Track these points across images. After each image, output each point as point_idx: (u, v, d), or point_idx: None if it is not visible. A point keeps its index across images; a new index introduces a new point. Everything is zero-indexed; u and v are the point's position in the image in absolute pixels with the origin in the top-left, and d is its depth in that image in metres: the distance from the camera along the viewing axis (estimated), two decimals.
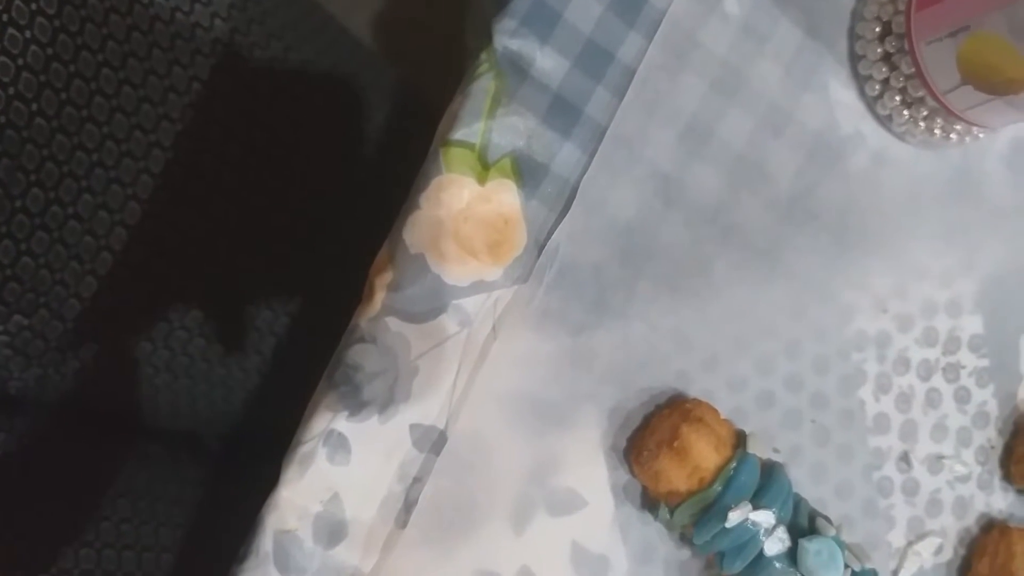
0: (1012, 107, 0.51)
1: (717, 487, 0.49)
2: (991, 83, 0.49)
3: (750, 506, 0.49)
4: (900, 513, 0.57)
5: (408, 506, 0.48)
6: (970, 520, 0.59)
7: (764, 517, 0.49)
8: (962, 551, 0.59)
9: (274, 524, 0.47)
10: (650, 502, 0.51)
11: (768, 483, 0.50)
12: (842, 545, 0.50)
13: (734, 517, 0.48)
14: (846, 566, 0.51)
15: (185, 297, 0.64)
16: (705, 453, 0.49)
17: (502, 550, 0.50)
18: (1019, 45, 0.46)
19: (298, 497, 0.47)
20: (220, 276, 0.65)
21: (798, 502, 0.51)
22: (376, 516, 0.48)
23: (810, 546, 0.49)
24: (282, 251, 0.69)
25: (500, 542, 0.49)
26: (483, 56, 0.48)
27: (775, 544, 0.49)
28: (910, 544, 0.57)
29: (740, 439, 0.51)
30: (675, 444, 0.49)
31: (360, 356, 0.47)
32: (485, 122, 0.48)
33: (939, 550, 0.58)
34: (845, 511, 0.55)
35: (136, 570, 0.62)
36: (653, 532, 0.52)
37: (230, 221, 0.65)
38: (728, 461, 0.49)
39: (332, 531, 0.47)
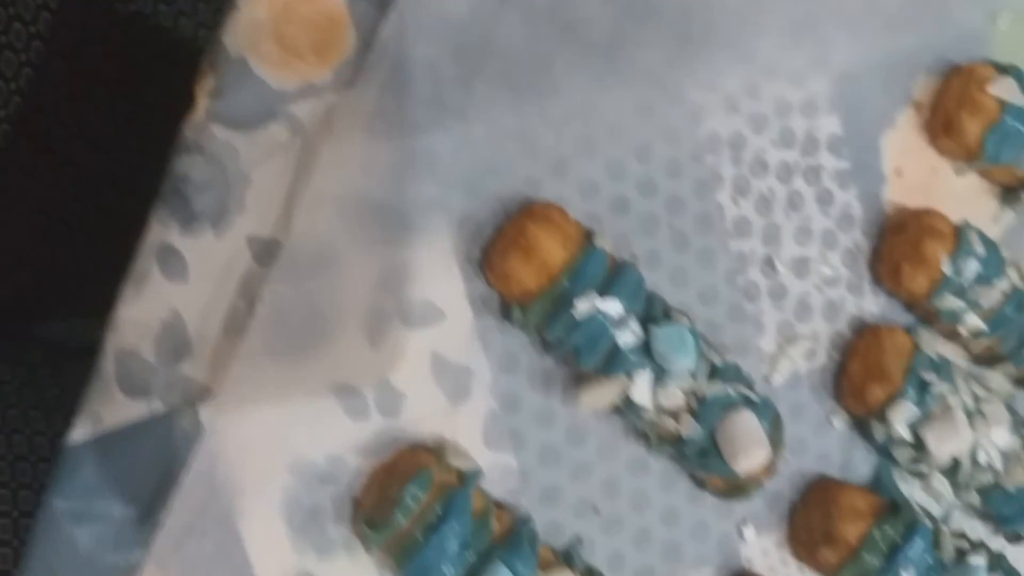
0: None
1: (564, 280, 0.53)
2: None
3: (597, 296, 0.53)
4: (769, 318, 0.62)
5: (254, 321, 0.51)
6: (842, 324, 0.64)
7: (612, 306, 0.53)
8: (836, 355, 0.64)
9: (114, 344, 0.50)
10: (507, 309, 0.55)
11: (616, 275, 0.54)
12: (696, 334, 0.54)
13: (581, 307, 0.53)
14: (704, 358, 0.55)
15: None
16: (552, 249, 0.54)
17: (358, 363, 0.53)
18: None
19: (137, 316, 0.50)
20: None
21: (652, 298, 0.56)
22: (221, 332, 0.51)
23: (660, 332, 0.54)
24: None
25: (355, 355, 0.53)
26: None
27: (627, 336, 0.54)
28: (781, 348, 0.62)
29: (589, 237, 0.54)
30: (521, 242, 0.53)
31: (187, 167, 0.51)
32: None
33: (811, 354, 0.63)
34: (711, 316, 0.61)
35: (10, 480, 0.63)
36: (515, 342, 0.57)
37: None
38: (576, 256, 0.53)
39: (176, 348, 0.51)
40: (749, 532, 0.63)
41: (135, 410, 0.50)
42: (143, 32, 0.78)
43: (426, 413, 0.56)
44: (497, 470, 0.57)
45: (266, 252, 0.53)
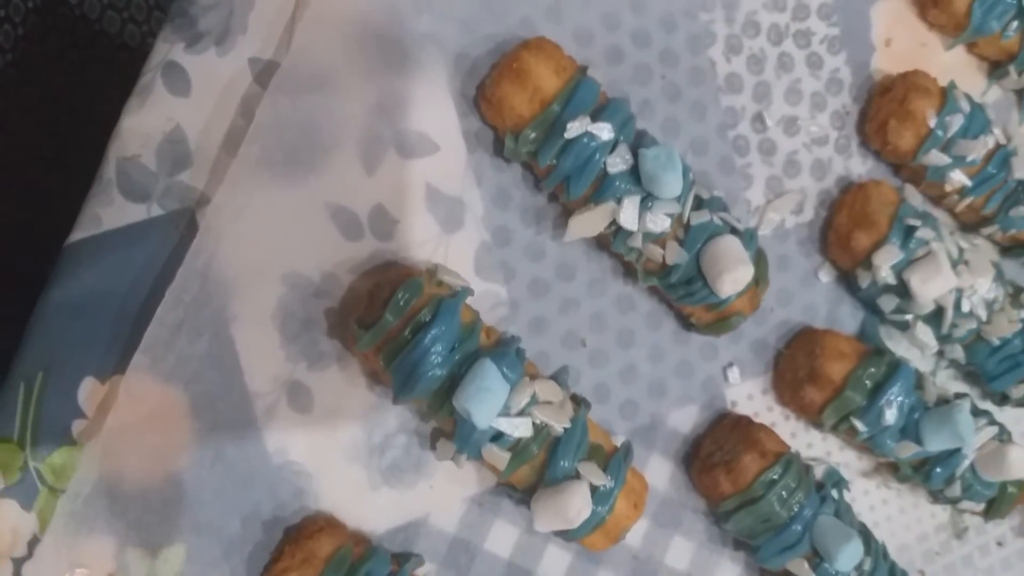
0: None
1: (556, 106, 0.46)
2: None
3: (588, 119, 0.45)
4: (758, 172, 0.54)
5: (254, 136, 0.44)
6: (830, 182, 0.56)
7: (602, 130, 0.46)
8: (823, 212, 0.56)
9: (117, 152, 0.44)
10: (500, 141, 0.48)
11: (607, 104, 0.46)
12: (685, 164, 0.47)
13: (573, 128, 0.46)
14: (692, 189, 0.47)
15: None
16: (544, 76, 0.47)
17: (353, 187, 0.47)
18: None
19: (140, 126, 0.44)
20: None
21: (642, 132, 0.48)
22: (220, 147, 0.45)
23: (648, 152, 0.47)
24: None
25: (351, 179, 0.47)
26: None
27: (617, 162, 0.47)
28: (769, 202, 0.54)
29: (582, 69, 0.47)
30: (514, 66, 0.46)
31: None
32: None
33: (799, 208, 0.55)
34: (701, 167, 0.53)
35: None
36: (507, 179, 0.50)
37: None
38: (568, 84, 0.46)
39: (176, 159, 0.45)
40: (734, 375, 0.54)
41: (134, 213, 0.44)
42: None
43: (418, 239, 0.48)
44: (488, 299, 0.50)
45: (267, 74, 0.46)
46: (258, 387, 0.46)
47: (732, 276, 0.48)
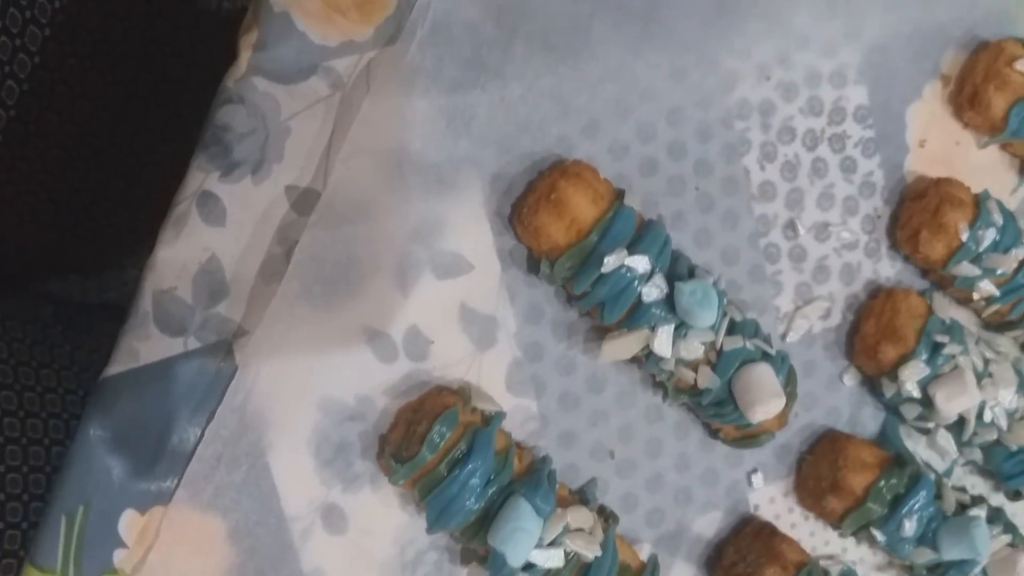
0: None
1: (593, 236, 0.42)
2: None
3: (626, 252, 0.41)
4: (787, 279, 0.50)
5: (291, 267, 0.40)
6: (858, 287, 0.52)
7: (639, 262, 0.42)
8: (850, 316, 0.52)
9: (152, 284, 0.40)
10: (535, 263, 0.44)
11: (644, 233, 0.42)
12: (720, 291, 0.43)
13: (610, 262, 0.42)
14: (725, 314, 0.43)
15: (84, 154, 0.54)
16: (582, 206, 0.42)
17: (389, 309, 0.43)
18: None
19: (175, 257, 0.40)
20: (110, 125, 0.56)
21: (678, 256, 0.44)
22: (257, 276, 0.41)
23: (685, 287, 0.42)
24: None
25: (387, 301, 0.43)
26: None
27: (652, 290, 0.43)
28: (798, 308, 0.50)
29: (619, 195, 0.43)
30: (552, 197, 0.42)
31: (228, 116, 0.40)
32: None
33: (827, 314, 0.51)
34: (732, 276, 0.49)
35: (21, 436, 0.53)
36: (540, 295, 0.46)
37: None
38: (605, 213, 0.42)
39: (212, 290, 0.41)
40: (757, 479, 0.51)
41: (171, 347, 0.41)
42: None
43: (452, 359, 0.44)
44: (519, 414, 0.46)
45: (303, 201, 0.42)
46: (294, 512, 0.42)
47: (764, 407, 0.44)
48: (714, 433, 0.49)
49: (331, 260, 0.42)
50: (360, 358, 0.43)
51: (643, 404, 0.48)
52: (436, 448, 0.41)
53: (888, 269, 0.53)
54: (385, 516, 0.44)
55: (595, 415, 0.47)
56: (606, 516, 0.46)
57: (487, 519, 0.42)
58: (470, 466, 0.41)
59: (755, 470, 0.51)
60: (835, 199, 0.51)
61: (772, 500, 0.51)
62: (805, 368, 0.51)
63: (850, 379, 0.52)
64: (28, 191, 0.52)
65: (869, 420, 0.53)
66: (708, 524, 0.50)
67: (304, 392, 0.42)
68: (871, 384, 0.52)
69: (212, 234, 0.40)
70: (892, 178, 0.52)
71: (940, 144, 0.53)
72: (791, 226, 0.50)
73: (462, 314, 0.45)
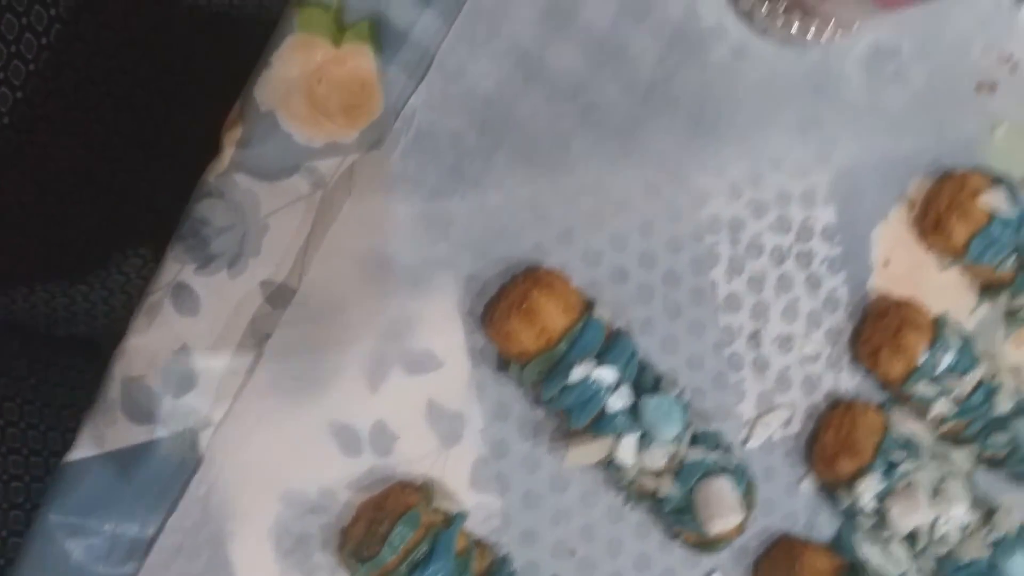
0: (858, 3, 0.43)
1: (562, 346, 0.42)
2: None
3: (594, 363, 0.41)
4: (750, 387, 0.50)
5: (261, 361, 0.40)
6: (819, 397, 0.52)
7: (607, 374, 0.42)
8: (810, 425, 0.52)
9: (122, 371, 0.40)
10: (504, 363, 0.44)
11: (612, 344, 0.42)
12: (684, 404, 0.43)
13: (577, 373, 0.42)
14: (688, 425, 0.43)
15: (81, 199, 0.54)
16: (553, 315, 0.42)
17: (357, 404, 0.43)
18: None
19: (146, 346, 0.40)
20: (106, 171, 0.55)
21: (644, 366, 0.44)
22: (227, 369, 0.40)
23: (650, 402, 0.42)
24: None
25: (355, 396, 0.42)
26: None
27: (618, 400, 0.43)
28: (759, 416, 0.50)
29: (589, 306, 0.43)
30: (524, 306, 0.42)
31: (208, 210, 0.40)
32: None
33: (788, 423, 0.51)
34: (696, 383, 0.49)
35: (24, 473, 0.52)
36: (508, 393, 0.45)
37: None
38: (575, 323, 0.41)
39: (181, 380, 0.40)
40: None
41: (137, 435, 0.40)
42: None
43: (417, 454, 0.44)
44: (482, 511, 0.45)
45: (278, 296, 0.42)
46: None
47: (723, 521, 0.44)
48: (674, 535, 0.48)
49: (302, 355, 0.41)
50: (325, 451, 0.42)
51: (605, 504, 0.48)
52: (397, 549, 0.40)
53: (849, 381, 0.53)
54: None
55: (558, 514, 0.47)
56: None
57: None
58: (431, 569, 0.40)
59: (713, 571, 0.50)
60: (799, 313, 0.51)
61: None
62: (765, 473, 0.51)
63: (808, 486, 0.52)
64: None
65: (825, 526, 0.52)
66: None
67: (268, 484, 0.41)
68: (828, 492, 0.52)
69: (184, 324, 0.40)
70: (856, 295, 0.52)
71: (903, 265, 0.54)
72: (755, 337, 0.50)
73: (429, 410, 0.44)
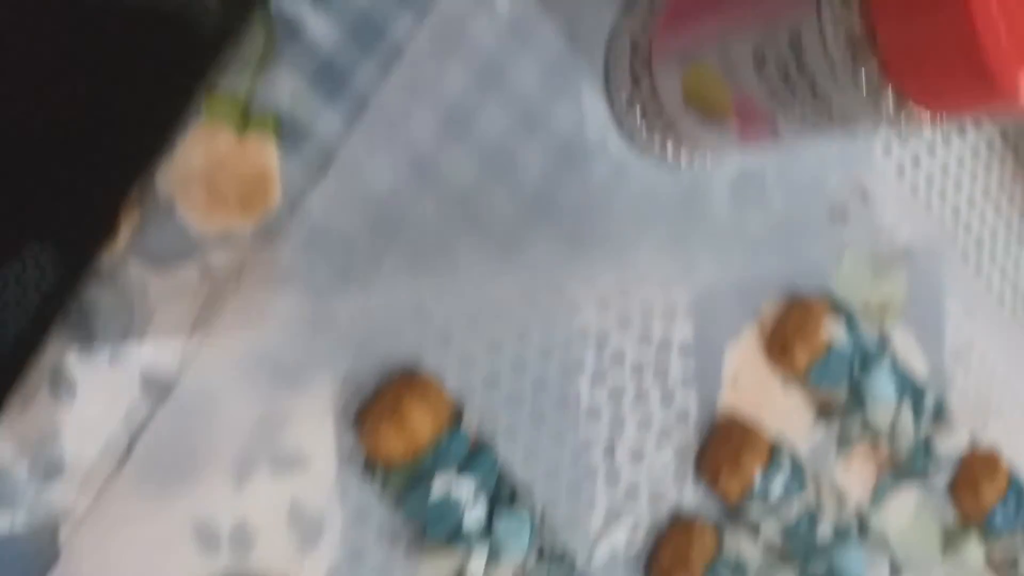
0: (721, 135, 0.60)
1: (427, 458, 0.55)
2: (705, 110, 0.57)
3: (455, 475, 0.56)
4: (600, 499, 0.67)
5: (130, 453, 0.51)
6: (662, 512, 0.68)
7: (465, 488, 0.56)
8: (651, 541, 0.68)
9: None
10: (370, 467, 0.57)
11: (476, 455, 0.57)
12: (534, 521, 0.57)
13: (438, 486, 0.55)
14: (536, 539, 0.58)
15: None
16: (422, 423, 0.57)
17: (221, 503, 0.54)
18: (727, 78, 0.54)
19: (16, 431, 0.49)
20: None
21: (503, 477, 0.59)
22: (97, 459, 0.51)
23: (504, 521, 0.57)
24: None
25: (219, 495, 0.54)
26: (259, 11, 0.51)
27: (474, 515, 0.56)
28: (606, 528, 0.65)
29: (458, 415, 0.57)
30: (396, 412, 0.55)
31: (95, 294, 0.50)
32: (252, 76, 0.52)
33: (632, 537, 0.67)
34: (551, 494, 0.65)
35: None
36: (371, 497, 0.59)
37: None
38: (442, 432, 0.55)
39: (48, 468, 0.50)
40: None
41: None
42: None
43: (274, 557, 0.57)
44: None
45: (156, 388, 0.53)
46: None
47: None
48: None
49: (171, 451, 0.53)
50: (183, 549, 0.54)
51: None
52: None
53: (691, 496, 0.70)
54: None
55: None
56: None
57: None
58: None
59: None
60: (652, 427, 0.68)
61: None
62: None
63: None
64: None
65: None
66: None
67: None
68: None
69: (59, 411, 0.50)
70: (705, 411, 0.70)
71: (750, 383, 0.72)
72: (610, 449, 0.67)
73: (291, 511, 0.57)
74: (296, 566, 0.58)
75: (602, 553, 0.68)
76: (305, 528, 0.58)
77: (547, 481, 0.65)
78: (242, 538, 0.56)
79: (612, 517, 0.68)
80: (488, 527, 0.59)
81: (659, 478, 0.70)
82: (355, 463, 0.59)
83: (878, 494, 0.80)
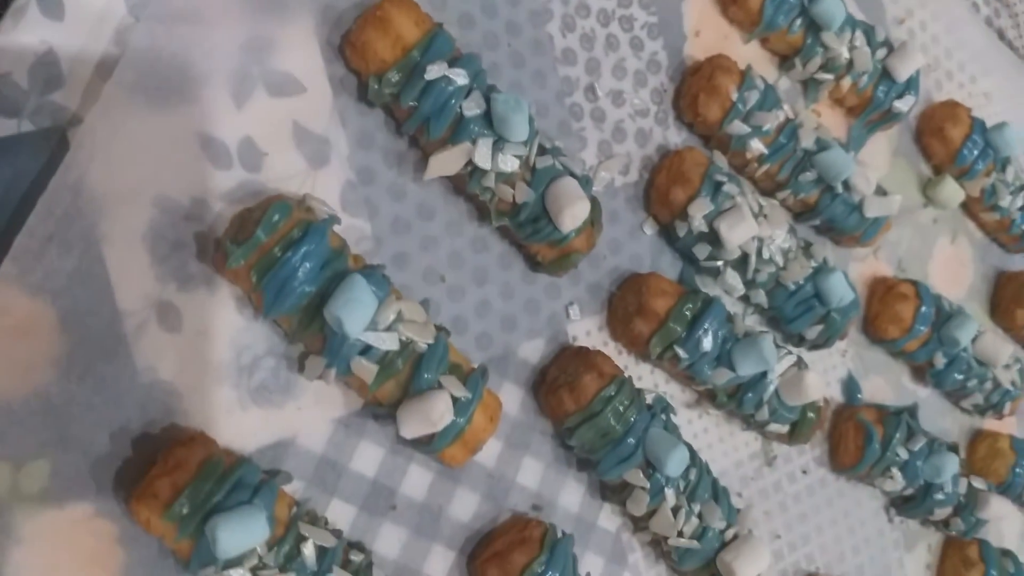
0: None
1: (416, 52, 0.48)
2: None
3: (447, 65, 0.47)
4: (591, 136, 0.59)
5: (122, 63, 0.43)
6: (651, 149, 0.61)
7: (459, 75, 0.48)
8: (645, 174, 0.61)
9: None
10: (365, 90, 0.49)
11: (461, 56, 0.50)
12: (529, 103, 0.49)
13: (432, 71, 0.47)
14: (536, 133, 0.50)
15: None
16: (406, 25, 0.49)
17: (223, 119, 0.47)
18: None
19: (12, 45, 0.42)
20: None
21: (492, 86, 0.50)
22: (93, 73, 0.44)
23: (499, 96, 0.49)
24: None
25: (220, 111, 0.47)
26: None
27: (472, 105, 0.49)
28: (600, 162, 0.57)
29: (438, 25, 0.48)
30: (379, 15, 0.48)
31: None
32: None
33: (626, 170, 0.60)
34: (543, 127, 0.57)
35: None
36: (371, 122, 0.51)
37: None
38: (426, 34, 0.47)
39: (48, 79, 0.43)
40: (574, 311, 0.57)
41: (4, 127, 0.42)
42: None
43: (286, 173, 0.48)
44: (353, 233, 0.50)
45: (142, 5, 0.45)
46: (128, 305, 0.44)
47: (571, 211, 0.50)
48: (535, 266, 0.54)
49: (166, 55, 0.45)
50: (195, 162, 0.46)
51: (470, 234, 0.54)
52: (272, 230, 0.44)
53: (675, 137, 0.61)
54: (221, 319, 0.46)
55: (426, 240, 0.52)
56: (439, 329, 0.49)
57: (322, 306, 0.44)
58: (305, 248, 0.44)
59: (572, 303, 0.56)
60: (627, 71, 0.59)
61: (588, 333, 0.57)
62: (610, 216, 0.58)
63: (649, 228, 0.60)
64: None
65: (668, 268, 0.61)
66: (532, 350, 0.55)
67: (139, 186, 0.44)
68: (668, 235, 0.60)
69: (50, 28, 0.43)
70: (675, 60, 0.62)
71: (712, 36, 0.63)
72: (591, 89, 0.58)
73: (295, 132, 0.48)
74: (309, 181, 0.49)
75: (601, 182, 0.58)
76: (312, 148, 0.49)
77: (538, 117, 0.56)
78: (251, 154, 0.47)
79: (604, 152, 0.58)
80: (487, 121, 0.50)
81: (642, 119, 0.60)
82: (349, 91, 0.51)
83: (853, 144, 0.70)
